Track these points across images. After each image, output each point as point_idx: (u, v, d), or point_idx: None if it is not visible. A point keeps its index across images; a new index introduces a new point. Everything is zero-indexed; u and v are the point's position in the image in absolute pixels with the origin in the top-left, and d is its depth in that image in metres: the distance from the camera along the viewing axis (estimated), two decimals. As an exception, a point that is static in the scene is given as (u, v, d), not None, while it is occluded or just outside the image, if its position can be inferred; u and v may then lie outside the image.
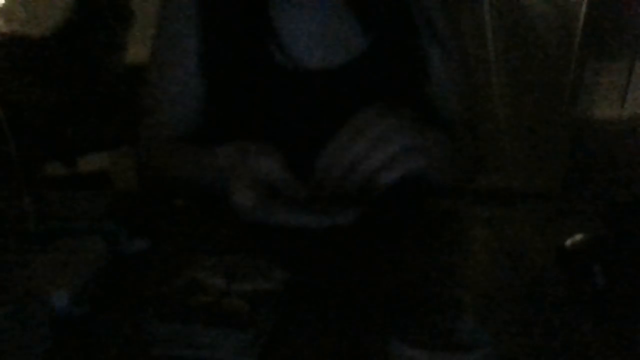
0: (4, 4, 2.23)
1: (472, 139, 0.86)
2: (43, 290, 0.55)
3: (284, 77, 0.80)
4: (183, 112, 0.84)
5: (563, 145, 2.66)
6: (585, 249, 0.62)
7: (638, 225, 0.60)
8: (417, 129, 0.60)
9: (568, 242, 0.64)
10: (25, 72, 2.05)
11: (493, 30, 2.32)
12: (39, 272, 0.58)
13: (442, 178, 0.71)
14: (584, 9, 2.41)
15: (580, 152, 2.85)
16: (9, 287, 0.56)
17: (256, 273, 0.57)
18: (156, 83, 0.86)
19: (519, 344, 0.51)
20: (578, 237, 0.64)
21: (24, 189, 0.81)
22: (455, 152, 0.72)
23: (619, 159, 2.91)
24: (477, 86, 2.38)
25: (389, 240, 0.69)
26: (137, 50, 2.05)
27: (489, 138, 2.35)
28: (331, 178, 0.58)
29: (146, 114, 0.87)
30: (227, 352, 0.48)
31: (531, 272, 0.63)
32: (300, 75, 0.80)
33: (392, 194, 0.59)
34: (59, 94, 2.07)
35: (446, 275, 0.63)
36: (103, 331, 0.53)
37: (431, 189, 0.75)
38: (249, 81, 0.81)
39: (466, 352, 0.42)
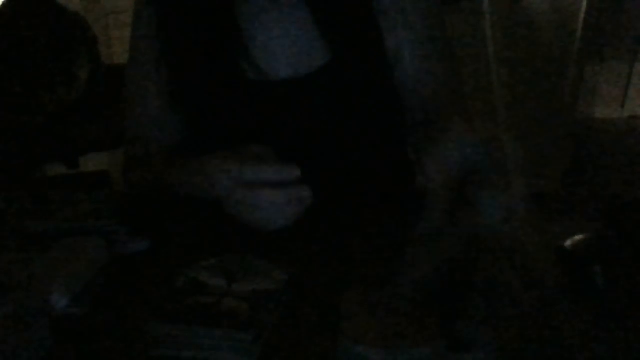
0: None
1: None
2: (43, 290, 0.55)
3: (253, 89, 0.81)
4: (162, 131, 0.86)
5: (563, 145, 2.66)
6: (585, 249, 0.62)
7: (638, 225, 0.60)
8: None
9: (568, 242, 0.64)
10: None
11: (493, 30, 2.32)
12: (39, 272, 0.58)
13: None
14: (584, 9, 2.41)
15: (580, 152, 2.85)
16: (9, 287, 0.56)
17: (256, 273, 0.57)
18: (132, 106, 0.87)
19: (519, 344, 0.51)
20: (578, 237, 0.64)
21: (24, 189, 0.81)
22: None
23: (619, 159, 2.91)
24: (476, 85, 2.40)
25: (388, 240, 0.69)
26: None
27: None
28: None
29: (128, 136, 0.89)
30: (227, 353, 0.48)
31: (531, 272, 0.63)
32: (268, 87, 0.81)
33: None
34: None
35: (446, 275, 0.63)
36: (103, 331, 0.53)
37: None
38: (219, 96, 0.82)
39: (466, 352, 0.42)
